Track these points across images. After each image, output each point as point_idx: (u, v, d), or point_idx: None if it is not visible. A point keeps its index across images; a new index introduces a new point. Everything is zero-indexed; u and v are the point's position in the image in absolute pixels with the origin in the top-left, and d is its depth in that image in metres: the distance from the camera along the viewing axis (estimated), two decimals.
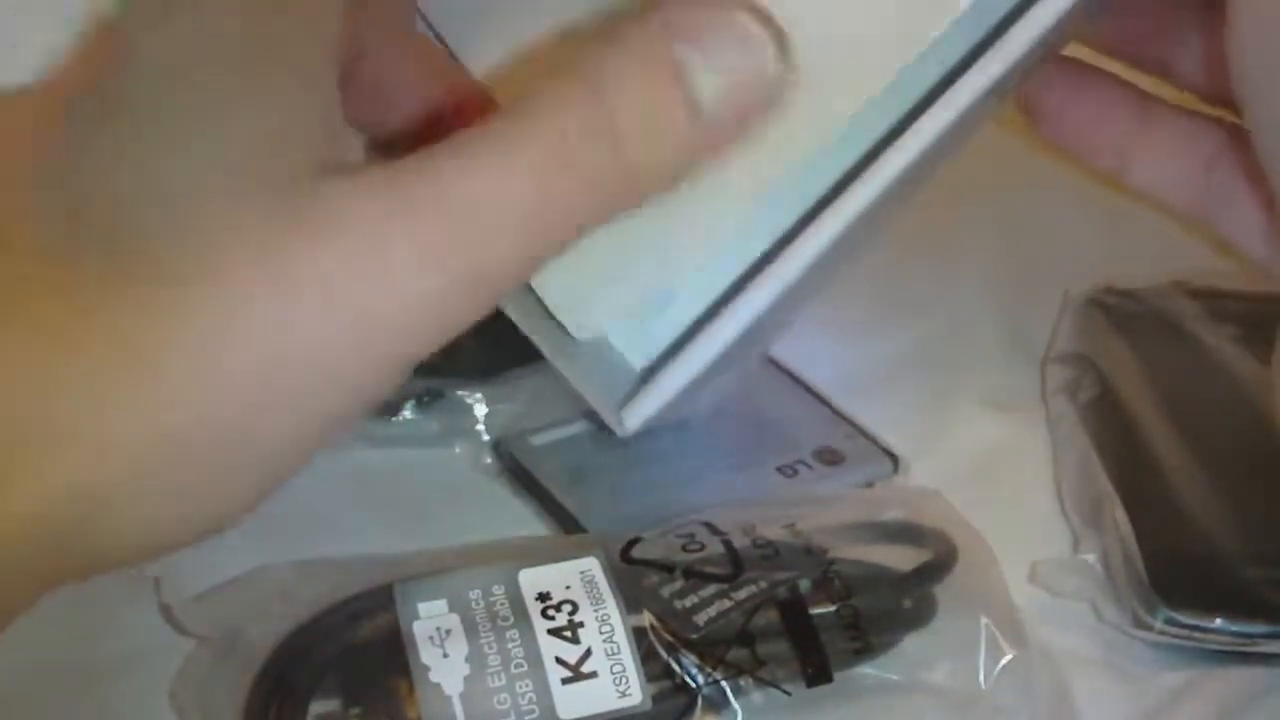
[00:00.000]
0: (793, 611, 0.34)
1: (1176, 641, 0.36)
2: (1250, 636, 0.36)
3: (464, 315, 0.26)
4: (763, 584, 0.34)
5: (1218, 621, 0.36)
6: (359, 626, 0.33)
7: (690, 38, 0.26)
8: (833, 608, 0.34)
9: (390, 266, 0.24)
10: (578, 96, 0.25)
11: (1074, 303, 0.47)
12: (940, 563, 0.35)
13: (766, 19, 0.26)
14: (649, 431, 0.42)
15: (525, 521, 0.40)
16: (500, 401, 0.42)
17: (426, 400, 0.42)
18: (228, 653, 0.33)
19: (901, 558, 0.36)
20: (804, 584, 0.34)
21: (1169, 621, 0.36)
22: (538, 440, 0.41)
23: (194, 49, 0.24)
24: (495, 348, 0.43)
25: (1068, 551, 0.39)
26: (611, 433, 0.41)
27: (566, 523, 0.39)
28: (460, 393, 0.42)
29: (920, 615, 0.35)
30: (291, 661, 0.32)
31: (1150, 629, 0.36)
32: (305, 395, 0.25)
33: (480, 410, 0.42)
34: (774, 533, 0.35)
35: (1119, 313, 0.46)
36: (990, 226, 0.53)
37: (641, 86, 0.26)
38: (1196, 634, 0.36)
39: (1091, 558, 0.38)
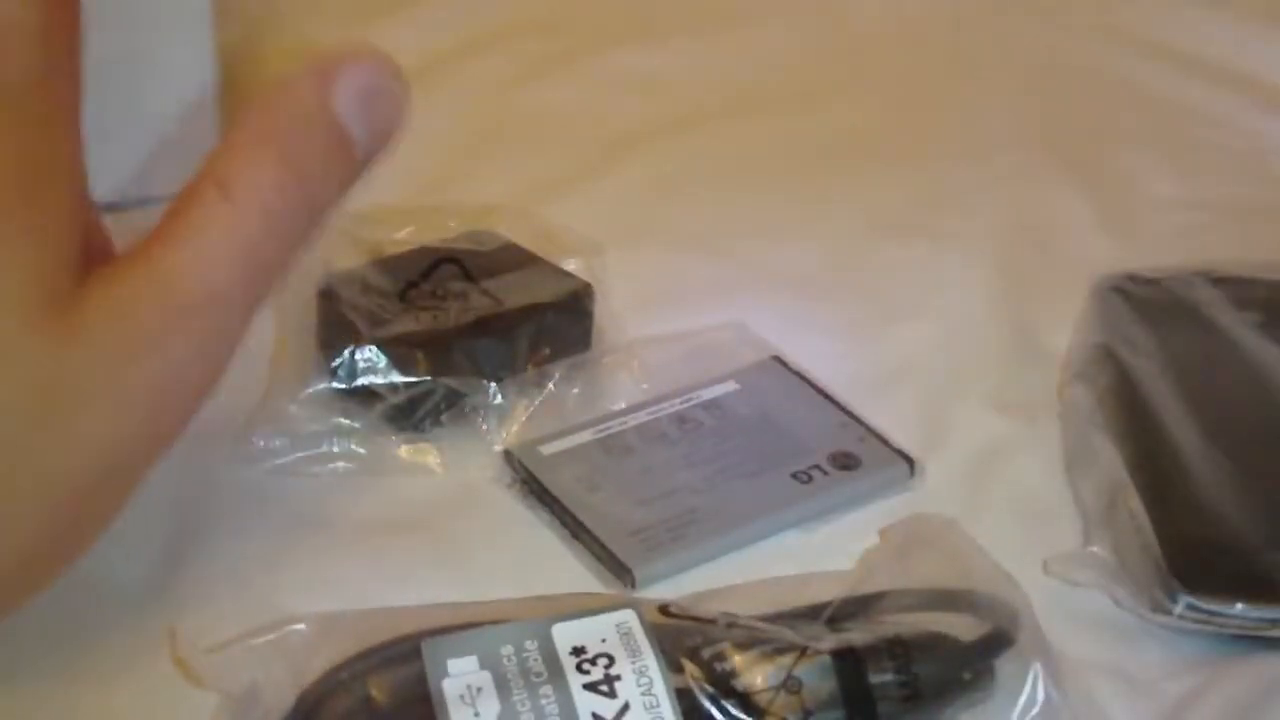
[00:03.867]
0: (849, 675, 0.32)
1: (1195, 628, 0.35)
2: (1272, 621, 0.35)
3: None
4: (814, 640, 0.32)
5: (1238, 607, 0.35)
6: (383, 680, 0.32)
7: (348, 102, 0.33)
8: (892, 676, 0.32)
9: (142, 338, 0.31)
10: (276, 177, 0.33)
11: (1096, 290, 0.46)
12: (1004, 634, 0.34)
13: (394, 68, 0.34)
14: (661, 438, 0.42)
15: (537, 531, 0.40)
16: (510, 410, 0.42)
17: (437, 409, 0.42)
18: (247, 709, 0.32)
19: (958, 626, 0.34)
20: (860, 645, 0.33)
21: (1189, 607, 0.35)
22: (548, 449, 0.41)
23: None
24: (504, 355, 0.43)
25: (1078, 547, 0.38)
26: (622, 442, 0.41)
27: (579, 532, 0.39)
28: (469, 401, 0.42)
29: (978, 688, 0.33)
30: (313, 715, 0.32)
31: (1169, 614, 0.35)
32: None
33: (491, 419, 0.42)
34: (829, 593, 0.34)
35: (1141, 300, 0.46)
36: (997, 222, 0.53)
37: (322, 152, 0.33)
38: (1217, 619, 0.35)
39: (1101, 549, 0.37)
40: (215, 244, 0.32)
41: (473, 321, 0.43)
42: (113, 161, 0.41)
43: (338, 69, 0.33)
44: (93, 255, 0.33)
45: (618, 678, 0.31)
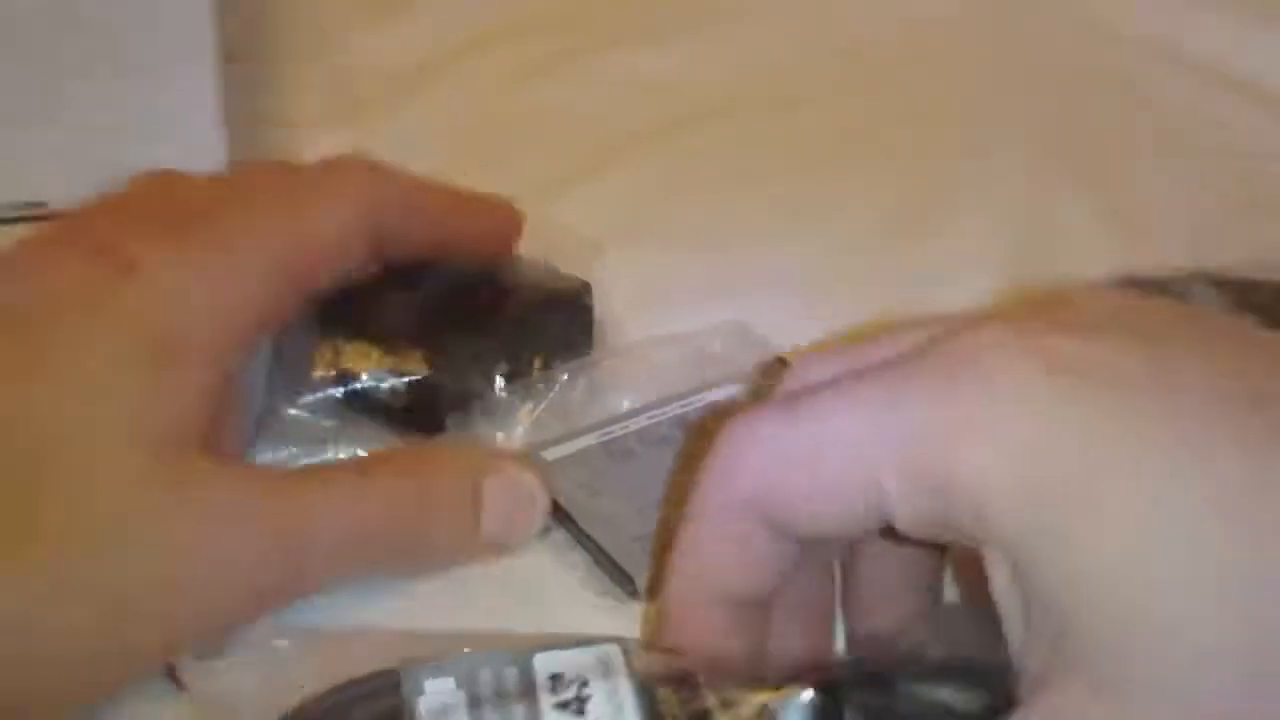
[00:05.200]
0: (827, 712, 0.31)
1: None
2: None
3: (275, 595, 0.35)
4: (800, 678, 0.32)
5: None
6: (362, 709, 0.32)
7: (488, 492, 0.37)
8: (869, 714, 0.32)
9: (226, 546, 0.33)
10: (410, 494, 0.36)
11: None
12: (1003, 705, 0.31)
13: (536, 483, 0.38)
14: (663, 442, 0.42)
15: (537, 536, 0.40)
16: (511, 412, 0.42)
17: (437, 410, 0.42)
18: None
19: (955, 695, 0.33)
20: (840, 682, 0.32)
21: None
22: (550, 455, 0.41)
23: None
24: (505, 356, 0.43)
25: None
26: (624, 446, 0.41)
27: (580, 538, 0.39)
28: (470, 402, 0.42)
29: None
30: None
31: None
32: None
33: (492, 421, 0.42)
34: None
35: None
36: (997, 222, 0.53)
37: (450, 511, 0.37)
38: None
39: None
40: (325, 503, 0.35)
41: (473, 322, 0.43)
42: (113, 161, 0.41)
43: (485, 488, 0.37)
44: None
45: (589, 698, 0.31)
